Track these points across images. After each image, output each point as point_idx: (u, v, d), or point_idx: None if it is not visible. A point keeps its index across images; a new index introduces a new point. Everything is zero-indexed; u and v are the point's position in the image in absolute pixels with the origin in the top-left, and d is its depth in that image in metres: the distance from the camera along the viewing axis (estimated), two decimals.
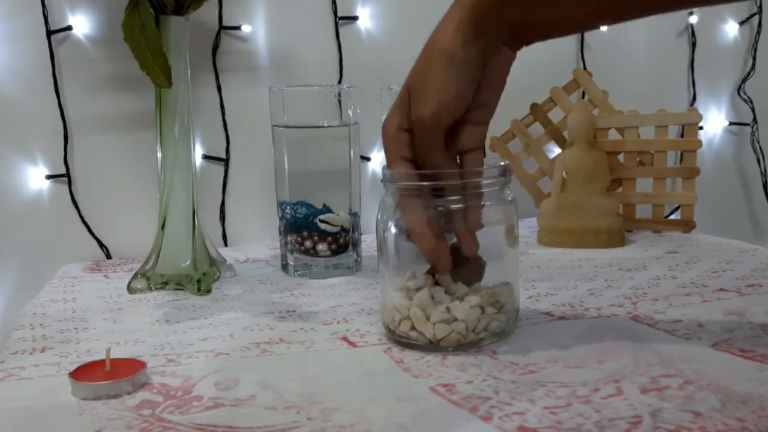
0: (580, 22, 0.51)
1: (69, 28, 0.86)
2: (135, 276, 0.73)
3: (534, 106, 0.96)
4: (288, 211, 0.76)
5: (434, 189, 0.52)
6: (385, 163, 0.53)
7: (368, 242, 0.88)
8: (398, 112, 0.52)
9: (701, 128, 1.10)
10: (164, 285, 0.72)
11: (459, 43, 0.49)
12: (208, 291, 0.71)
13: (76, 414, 0.44)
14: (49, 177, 0.87)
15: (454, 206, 0.52)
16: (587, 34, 1.06)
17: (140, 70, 0.68)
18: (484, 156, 0.54)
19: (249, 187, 0.95)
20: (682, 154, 0.96)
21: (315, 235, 0.75)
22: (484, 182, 0.52)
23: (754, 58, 1.16)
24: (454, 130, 0.51)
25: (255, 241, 0.96)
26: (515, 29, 0.49)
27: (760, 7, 1.16)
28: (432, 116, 0.49)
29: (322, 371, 0.50)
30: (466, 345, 0.52)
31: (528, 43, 0.51)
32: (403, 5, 0.99)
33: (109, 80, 0.88)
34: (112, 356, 0.49)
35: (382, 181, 0.55)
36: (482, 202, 0.53)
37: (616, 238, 0.85)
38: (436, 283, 0.53)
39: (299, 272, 0.76)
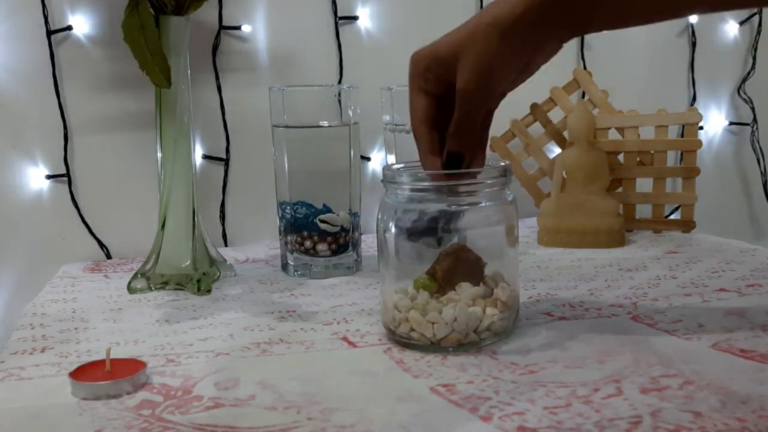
0: (641, 17, 0.50)
1: (69, 28, 0.86)
2: (135, 276, 0.73)
3: (534, 106, 0.96)
4: (288, 211, 0.76)
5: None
6: (385, 162, 0.54)
7: (368, 242, 0.88)
8: (434, 57, 0.51)
9: (701, 128, 1.10)
10: (164, 285, 0.72)
11: (525, 29, 0.48)
12: (208, 291, 0.71)
13: (76, 414, 0.44)
14: (49, 177, 0.88)
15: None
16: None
17: (140, 70, 0.68)
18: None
19: (249, 187, 0.95)
20: (682, 154, 0.96)
21: (315, 235, 0.75)
22: (484, 182, 0.52)
23: (754, 58, 1.16)
24: None
25: (255, 241, 0.96)
26: (577, 22, 0.49)
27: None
28: (480, 94, 0.50)
29: (322, 371, 0.50)
30: (466, 345, 0.52)
31: (584, 32, 0.50)
32: (403, 5, 0.99)
33: (109, 80, 0.88)
34: (112, 356, 0.49)
35: (382, 181, 0.55)
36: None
37: (616, 238, 0.85)
38: (437, 283, 0.53)
39: (299, 272, 0.76)
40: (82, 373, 0.48)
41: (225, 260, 0.79)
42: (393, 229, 0.54)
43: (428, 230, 0.54)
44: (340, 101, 0.76)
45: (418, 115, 0.53)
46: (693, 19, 1.13)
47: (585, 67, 1.06)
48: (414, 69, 0.53)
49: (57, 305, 0.68)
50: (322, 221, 0.75)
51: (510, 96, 0.55)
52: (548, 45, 0.51)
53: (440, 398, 0.44)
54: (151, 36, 0.68)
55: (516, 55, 0.50)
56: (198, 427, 0.41)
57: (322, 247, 0.76)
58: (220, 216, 0.95)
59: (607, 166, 0.89)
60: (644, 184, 0.93)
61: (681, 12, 0.51)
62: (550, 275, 0.73)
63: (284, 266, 0.78)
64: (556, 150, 0.99)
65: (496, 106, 0.54)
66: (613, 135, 0.94)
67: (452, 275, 0.54)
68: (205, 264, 0.75)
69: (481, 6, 1.01)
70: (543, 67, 0.53)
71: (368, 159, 0.99)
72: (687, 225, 0.92)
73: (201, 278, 0.71)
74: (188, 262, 0.73)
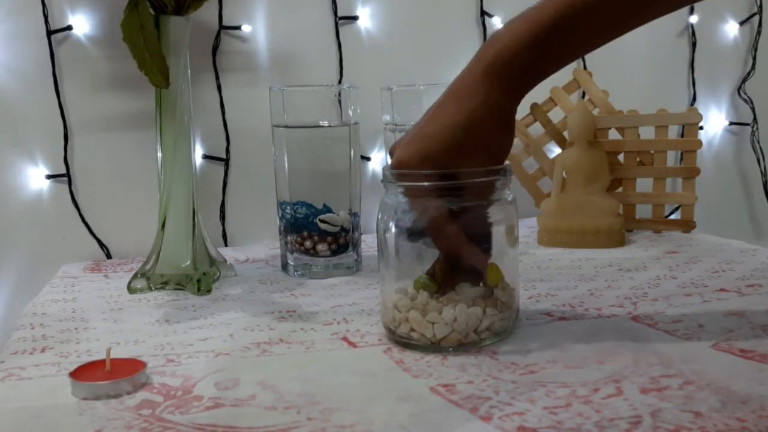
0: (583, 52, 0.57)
1: (69, 27, 0.86)
2: (135, 276, 0.73)
3: (534, 106, 0.96)
4: (288, 211, 0.76)
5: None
6: (385, 162, 0.54)
7: (368, 242, 0.88)
8: (426, 166, 0.52)
9: (701, 128, 1.10)
10: (164, 285, 0.72)
11: (506, 107, 0.52)
12: (208, 291, 0.71)
13: (76, 414, 0.44)
14: (49, 177, 0.88)
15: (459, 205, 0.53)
16: None
17: (139, 71, 0.68)
18: None
19: (249, 187, 0.95)
20: (682, 154, 0.96)
21: (315, 235, 0.75)
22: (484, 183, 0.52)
23: (754, 58, 1.16)
24: None
25: (255, 241, 0.96)
26: (531, 82, 0.53)
27: (760, 7, 1.16)
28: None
29: (322, 371, 0.50)
30: (466, 345, 0.52)
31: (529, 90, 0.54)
32: (403, 5, 0.99)
33: (109, 80, 0.88)
34: (112, 356, 0.49)
35: (382, 181, 0.55)
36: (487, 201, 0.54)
37: (616, 238, 0.85)
38: (437, 283, 0.53)
39: (299, 272, 0.76)
40: (82, 373, 0.48)
41: (225, 260, 0.79)
42: (393, 229, 0.54)
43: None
44: (340, 101, 0.76)
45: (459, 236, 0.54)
46: (693, 19, 1.13)
47: (585, 67, 1.06)
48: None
49: (57, 305, 0.68)
50: (322, 221, 0.75)
51: None
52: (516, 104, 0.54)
53: (440, 398, 0.44)
54: (150, 36, 0.68)
55: (510, 130, 0.54)
56: (198, 427, 0.41)
57: (322, 247, 0.76)
58: (220, 216, 0.95)
59: (607, 166, 0.89)
60: (644, 184, 0.93)
61: (619, 32, 0.55)
62: (550, 275, 0.73)
63: (284, 266, 0.78)
64: (556, 150, 0.99)
65: None
66: (613, 135, 0.94)
67: (452, 275, 0.53)
68: (205, 264, 0.75)
69: (481, 6, 1.01)
70: None
71: (368, 159, 0.99)
72: (687, 225, 0.92)
73: (201, 278, 0.71)
74: (188, 262, 0.73)
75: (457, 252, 0.53)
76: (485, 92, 0.51)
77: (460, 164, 0.51)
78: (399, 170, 0.52)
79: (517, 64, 0.51)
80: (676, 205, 1.04)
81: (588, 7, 0.50)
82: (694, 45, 1.13)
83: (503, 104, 0.52)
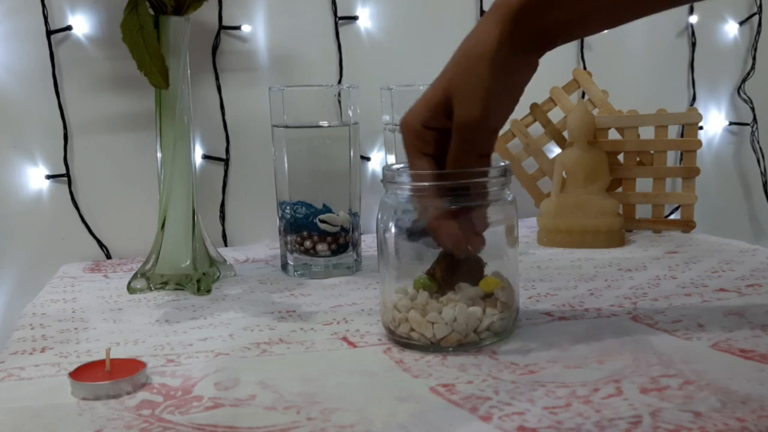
0: (606, 19, 0.52)
1: (69, 28, 0.86)
2: (135, 276, 0.73)
3: (534, 106, 0.96)
4: (288, 211, 0.76)
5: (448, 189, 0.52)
6: (385, 162, 0.54)
7: (368, 242, 0.88)
8: (426, 110, 0.51)
9: (701, 128, 1.10)
10: (164, 285, 0.72)
11: (506, 52, 0.50)
12: (208, 291, 0.71)
13: (76, 414, 0.44)
14: (49, 177, 0.88)
15: (460, 205, 0.52)
16: None
17: (138, 71, 0.69)
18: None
19: (249, 187, 0.95)
20: (681, 154, 0.96)
21: (315, 235, 0.75)
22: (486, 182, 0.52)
23: (754, 58, 1.16)
24: None
25: (255, 241, 0.96)
26: (547, 35, 0.51)
27: (760, 7, 1.16)
28: (483, 120, 0.50)
29: (322, 371, 0.50)
30: (466, 345, 0.52)
31: (553, 47, 0.52)
32: (403, 5, 0.99)
33: (109, 80, 0.88)
34: (111, 356, 0.49)
35: (382, 181, 0.55)
36: (487, 201, 0.53)
37: (616, 238, 0.85)
38: (436, 283, 0.53)
39: (299, 272, 0.76)
40: (82, 373, 0.48)
41: (225, 260, 0.79)
42: (393, 229, 0.54)
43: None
44: (340, 101, 0.76)
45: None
46: (693, 19, 1.13)
47: (585, 67, 1.06)
48: (408, 134, 0.52)
49: (57, 305, 0.68)
50: (322, 221, 0.75)
51: None
52: (530, 63, 0.52)
53: (440, 398, 0.44)
54: (150, 37, 0.68)
55: (507, 78, 0.51)
56: (198, 427, 0.41)
57: (322, 247, 0.76)
58: (220, 216, 0.95)
59: (607, 166, 0.89)
60: (644, 184, 0.93)
61: (638, 14, 0.52)
62: (550, 275, 0.73)
63: (284, 266, 0.78)
64: (556, 150, 0.99)
65: (492, 148, 0.54)
66: (613, 135, 0.94)
67: (452, 275, 0.53)
68: (205, 264, 0.75)
69: (481, 6, 1.01)
70: (543, 67, 0.53)
71: (368, 159, 0.99)
72: (687, 225, 0.92)
73: (201, 278, 0.71)
74: (188, 262, 0.73)
75: (435, 227, 0.53)
76: (482, 30, 0.50)
77: (451, 109, 0.50)
78: (400, 125, 0.52)
79: (520, 4, 0.49)
80: (676, 205, 1.04)
81: None
82: (693, 45, 1.13)
83: (497, 45, 0.49)
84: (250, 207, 0.95)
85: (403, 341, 0.53)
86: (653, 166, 0.92)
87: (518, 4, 0.49)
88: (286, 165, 0.75)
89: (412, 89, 0.78)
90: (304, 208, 0.75)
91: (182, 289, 0.72)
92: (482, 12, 1.01)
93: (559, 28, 0.51)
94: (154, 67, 0.68)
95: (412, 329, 0.52)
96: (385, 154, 0.82)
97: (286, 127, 0.75)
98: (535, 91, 0.95)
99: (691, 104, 1.15)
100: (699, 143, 0.91)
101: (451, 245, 0.53)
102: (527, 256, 0.82)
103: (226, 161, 0.94)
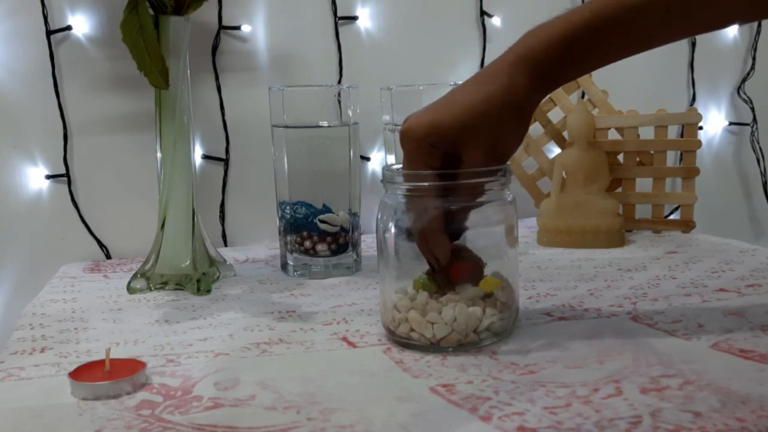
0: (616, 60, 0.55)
1: (69, 28, 0.86)
2: (135, 276, 0.73)
3: None
4: (288, 211, 0.76)
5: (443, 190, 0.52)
6: (384, 162, 0.54)
7: (368, 242, 0.88)
8: (436, 136, 0.51)
9: (701, 128, 1.10)
10: (164, 285, 0.72)
11: (533, 101, 0.53)
12: (208, 291, 0.71)
13: (76, 414, 0.44)
14: (49, 177, 0.88)
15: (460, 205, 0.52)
16: None
17: (138, 71, 0.69)
18: None
19: (249, 187, 0.95)
20: (681, 154, 0.96)
21: (315, 235, 0.75)
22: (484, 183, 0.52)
23: (754, 58, 1.16)
24: None
25: (255, 241, 0.96)
26: (563, 81, 0.54)
27: None
28: (498, 162, 0.53)
29: (322, 371, 0.50)
30: (466, 345, 0.52)
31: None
32: (403, 5, 0.99)
33: (109, 80, 0.88)
34: (111, 356, 0.49)
35: (382, 181, 0.55)
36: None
37: (616, 238, 0.85)
38: (436, 283, 0.53)
39: (299, 272, 0.76)
40: (81, 373, 0.48)
41: (225, 260, 0.79)
42: (393, 229, 0.54)
43: None
44: (339, 101, 0.76)
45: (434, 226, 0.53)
46: None
47: None
48: (415, 142, 0.52)
49: (57, 305, 0.68)
50: (322, 221, 0.75)
51: None
52: (540, 99, 0.54)
53: (440, 398, 0.44)
54: (150, 37, 0.68)
55: (528, 122, 0.54)
56: (198, 427, 0.41)
57: (321, 247, 0.76)
58: (220, 216, 0.95)
59: (606, 166, 0.89)
60: (644, 184, 0.93)
61: (649, 46, 0.55)
62: (550, 275, 0.73)
63: (284, 266, 0.78)
64: (556, 150, 0.99)
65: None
66: (613, 135, 0.94)
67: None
68: (205, 264, 0.75)
69: (481, 6, 1.01)
70: None
71: (368, 159, 0.99)
72: (687, 225, 0.92)
73: (201, 278, 0.71)
74: (188, 262, 0.73)
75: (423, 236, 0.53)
76: (509, 78, 0.51)
77: (466, 143, 0.51)
78: (405, 133, 0.52)
79: (546, 58, 0.51)
80: (676, 205, 1.04)
81: (626, 11, 0.50)
82: (694, 45, 1.13)
83: (524, 94, 0.51)
84: (249, 207, 0.95)
85: (403, 341, 0.53)
86: (653, 166, 0.92)
87: (546, 60, 0.51)
88: (286, 165, 0.75)
89: (412, 89, 0.78)
90: (304, 208, 0.75)
91: (182, 289, 0.72)
92: (482, 12, 1.01)
93: (574, 75, 0.54)
94: (154, 68, 0.68)
95: (412, 329, 0.52)
96: (385, 154, 0.81)
97: (286, 127, 0.75)
98: None
99: (691, 104, 1.15)
100: (699, 143, 0.91)
101: (434, 261, 0.53)
102: (527, 256, 0.82)
103: (226, 161, 0.94)
